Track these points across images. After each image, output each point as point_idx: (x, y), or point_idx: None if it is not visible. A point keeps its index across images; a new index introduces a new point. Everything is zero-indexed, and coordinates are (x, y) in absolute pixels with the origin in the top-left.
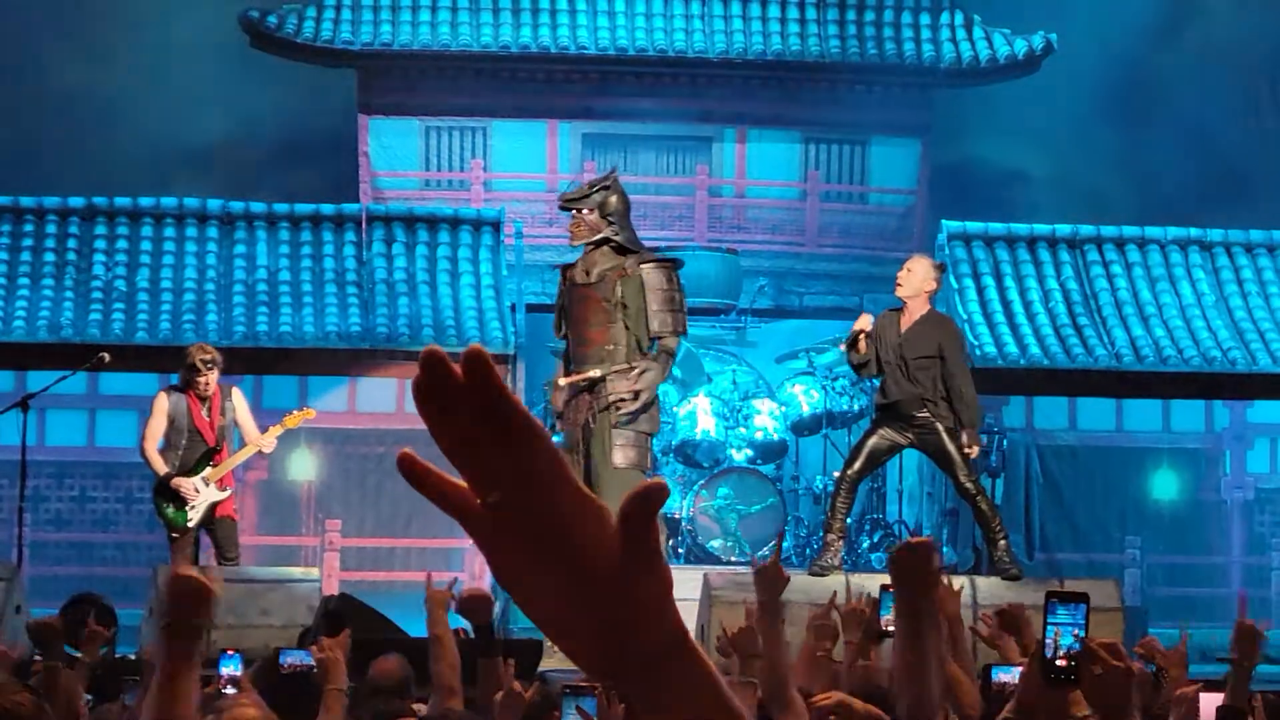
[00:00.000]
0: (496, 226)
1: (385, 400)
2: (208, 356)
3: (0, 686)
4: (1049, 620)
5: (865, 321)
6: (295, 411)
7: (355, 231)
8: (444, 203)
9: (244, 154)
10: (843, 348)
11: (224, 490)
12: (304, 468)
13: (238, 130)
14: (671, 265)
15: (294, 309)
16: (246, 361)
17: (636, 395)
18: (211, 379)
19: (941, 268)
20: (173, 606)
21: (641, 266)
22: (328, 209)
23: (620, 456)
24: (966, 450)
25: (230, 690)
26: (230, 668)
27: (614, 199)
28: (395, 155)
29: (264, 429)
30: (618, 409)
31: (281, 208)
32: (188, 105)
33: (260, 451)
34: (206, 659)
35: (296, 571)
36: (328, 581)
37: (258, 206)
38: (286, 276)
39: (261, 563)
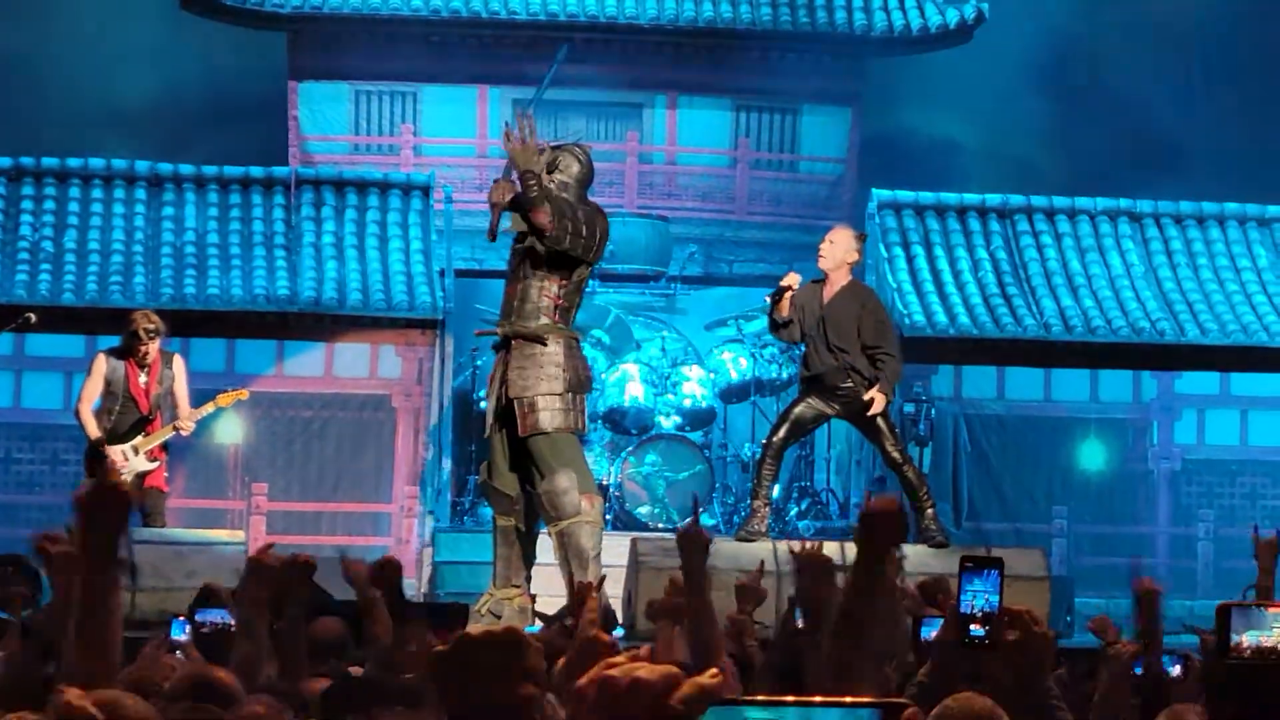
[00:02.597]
0: (426, 191)
1: (313, 364)
2: (151, 326)
3: None
4: (965, 586)
5: (793, 279)
6: (228, 391)
7: (284, 195)
8: (374, 167)
9: (173, 116)
10: (767, 300)
11: (153, 461)
12: (230, 431)
13: (167, 92)
14: (557, 151)
15: (222, 272)
16: (174, 324)
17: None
18: (153, 348)
19: (862, 238)
20: (97, 520)
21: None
22: (257, 172)
23: (571, 420)
24: (871, 398)
25: (179, 654)
26: (178, 633)
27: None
28: (325, 119)
29: (193, 395)
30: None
31: (210, 170)
32: (117, 66)
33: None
34: (135, 621)
35: (222, 535)
36: (253, 545)
37: (186, 169)
38: (215, 239)
39: (187, 526)
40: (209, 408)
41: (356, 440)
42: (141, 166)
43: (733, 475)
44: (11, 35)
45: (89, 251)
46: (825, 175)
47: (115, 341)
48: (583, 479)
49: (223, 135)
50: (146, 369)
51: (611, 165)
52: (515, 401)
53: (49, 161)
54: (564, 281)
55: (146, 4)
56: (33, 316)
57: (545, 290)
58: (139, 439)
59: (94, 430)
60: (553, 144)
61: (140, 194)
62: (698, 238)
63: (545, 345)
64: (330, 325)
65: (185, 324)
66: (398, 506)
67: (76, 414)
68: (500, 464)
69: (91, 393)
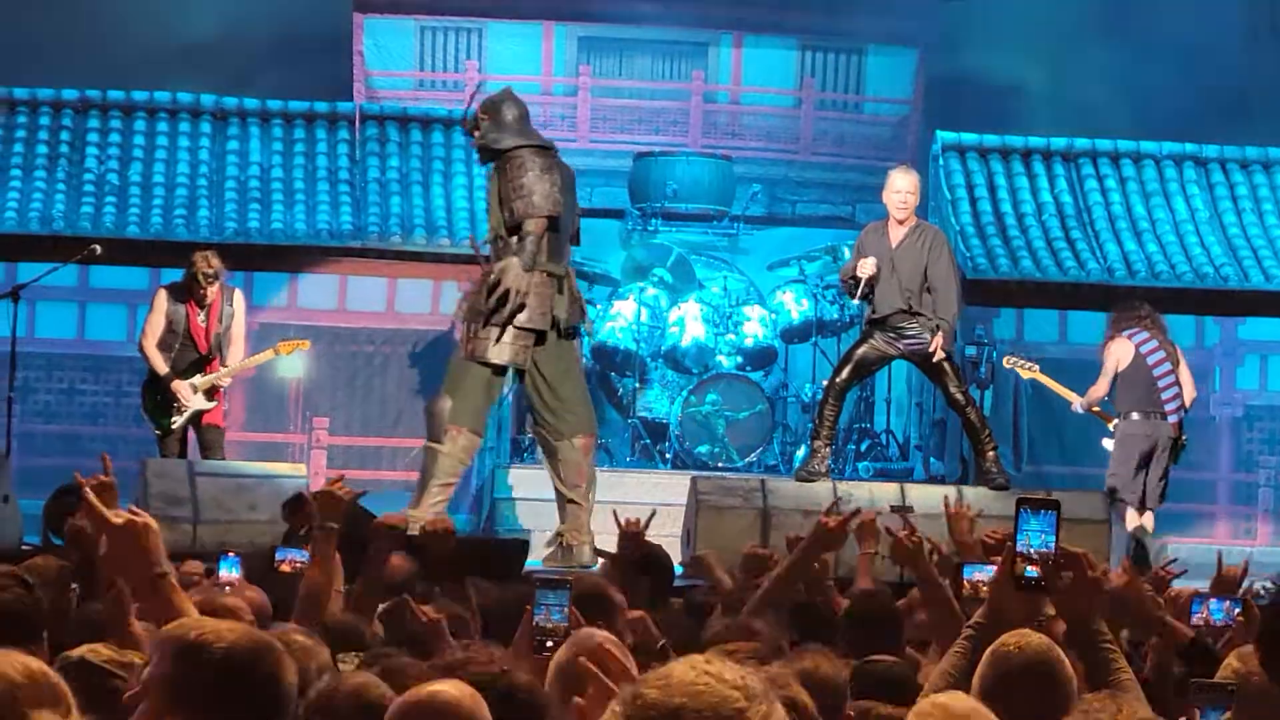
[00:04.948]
0: None
1: (375, 299)
2: (210, 270)
3: None
4: (1021, 526)
5: (870, 269)
6: (290, 339)
7: (349, 130)
8: (438, 103)
9: (238, 50)
10: (842, 277)
11: (212, 401)
12: (293, 365)
13: (232, 26)
14: (519, 153)
15: (286, 206)
16: (237, 258)
17: (492, 290)
18: (211, 291)
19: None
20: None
21: (507, 156)
22: (322, 107)
23: (493, 353)
24: (935, 349)
25: (227, 590)
26: (228, 570)
27: (475, 110)
28: (390, 55)
29: (256, 330)
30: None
31: (275, 105)
32: (184, 1)
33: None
34: (196, 554)
35: (284, 467)
36: (315, 479)
37: (251, 103)
38: (279, 174)
39: (249, 459)
40: (268, 354)
41: (417, 375)
42: (207, 100)
43: (793, 415)
44: None
45: (154, 185)
46: (890, 116)
47: (178, 276)
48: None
49: (288, 70)
50: (206, 309)
51: (676, 104)
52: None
53: (115, 95)
54: None
55: None
56: (98, 249)
57: None
58: (198, 378)
59: (161, 365)
60: (475, 101)
61: (205, 128)
62: (761, 177)
63: None
64: (393, 260)
65: (248, 258)
66: None
67: (141, 348)
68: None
69: (155, 328)
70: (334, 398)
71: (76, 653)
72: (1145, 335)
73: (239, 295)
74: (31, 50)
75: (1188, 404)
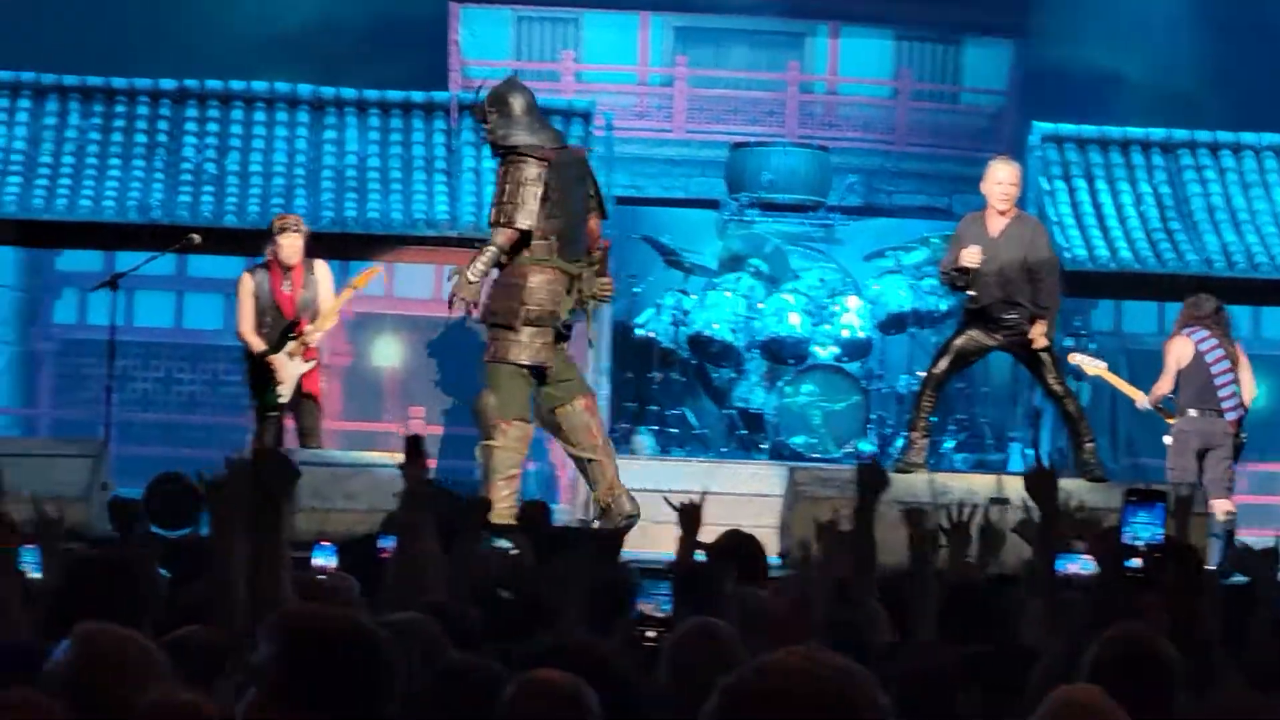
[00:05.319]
0: (586, 118)
1: None
2: (287, 220)
3: (84, 567)
4: (1128, 519)
5: (976, 258)
6: (361, 271)
7: (445, 119)
8: (534, 93)
9: (335, 40)
10: (944, 269)
11: (309, 362)
12: (388, 354)
13: (330, 16)
14: (516, 158)
15: (382, 195)
16: (333, 247)
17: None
18: (288, 242)
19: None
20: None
21: (508, 157)
22: (418, 96)
23: (515, 353)
24: (1036, 340)
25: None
26: (323, 558)
27: (486, 101)
28: (486, 44)
29: (349, 318)
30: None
31: (372, 94)
32: None
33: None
34: (294, 542)
35: (381, 456)
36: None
37: (348, 93)
38: (375, 163)
39: (345, 448)
40: (347, 293)
41: None
42: (304, 90)
43: (888, 407)
44: None
45: (251, 174)
46: (986, 107)
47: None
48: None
49: (384, 60)
50: (289, 276)
51: (772, 95)
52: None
53: (212, 84)
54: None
55: None
56: (196, 238)
57: None
58: (291, 344)
59: (259, 345)
60: (486, 91)
61: (302, 117)
62: (857, 168)
63: None
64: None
65: (344, 247)
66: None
67: (240, 336)
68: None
69: (247, 311)
70: (428, 386)
71: (177, 634)
72: (1205, 334)
73: (321, 264)
74: (131, 40)
75: (1246, 403)
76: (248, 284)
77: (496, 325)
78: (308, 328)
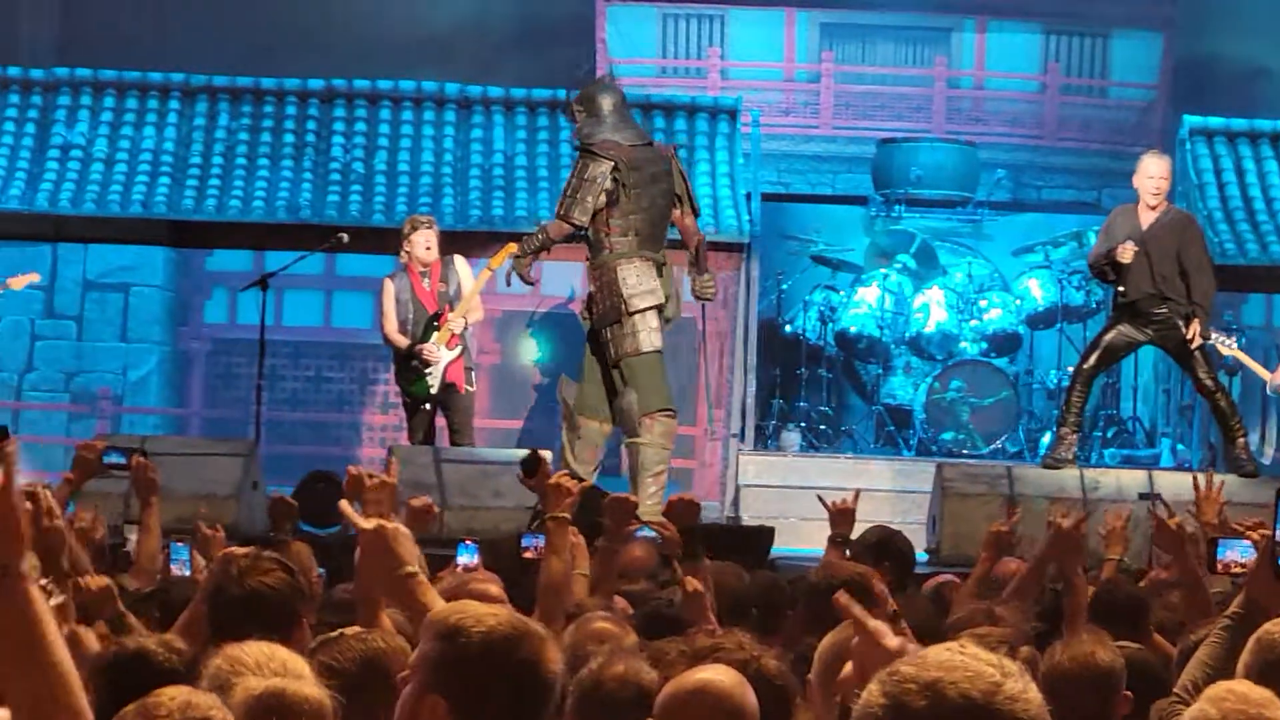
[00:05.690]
0: (733, 114)
1: None
2: (419, 219)
3: (254, 563)
4: None
5: (1130, 253)
6: (497, 253)
7: None
8: (680, 90)
9: (482, 39)
10: (1093, 261)
11: (453, 350)
12: (535, 351)
13: (478, 15)
14: (588, 154)
15: (529, 193)
16: (483, 244)
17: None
18: (420, 239)
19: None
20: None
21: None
22: (565, 94)
23: (640, 341)
24: (1193, 336)
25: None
26: (467, 557)
27: (575, 99)
28: (632, 42)
29: (496, 316)
30: None
31: (519, 93)
32: None
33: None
34: (442, 540)
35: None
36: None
37: (495, 91)
38: (523, 161)
39: (493, 445)
40: (485, 275)
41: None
42: (451, 89)
43: (1038, 402)
44: None
45: (399, 173)
46: (1135, 101)
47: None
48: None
49: (531, 58)
50: (427, 273)
51: (919, 90)
52: None
53: (360, 84)
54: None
55: None
56: (345, 237)
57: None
58: (436, 333)
59: (403, 341)
60: (580, 89)
61: (450, 116)
62: (1005, 163)
63: None
64: None
65: (493, 244)
66: (701, 429)
67: (384, 336)
68: None
69: (390, 311)
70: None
71: (334, 634)
72: None
73: (460, 259)
74: (280, 41)
75: None
76: (389, 288)
77: (605, 326)
78: (451, 314)
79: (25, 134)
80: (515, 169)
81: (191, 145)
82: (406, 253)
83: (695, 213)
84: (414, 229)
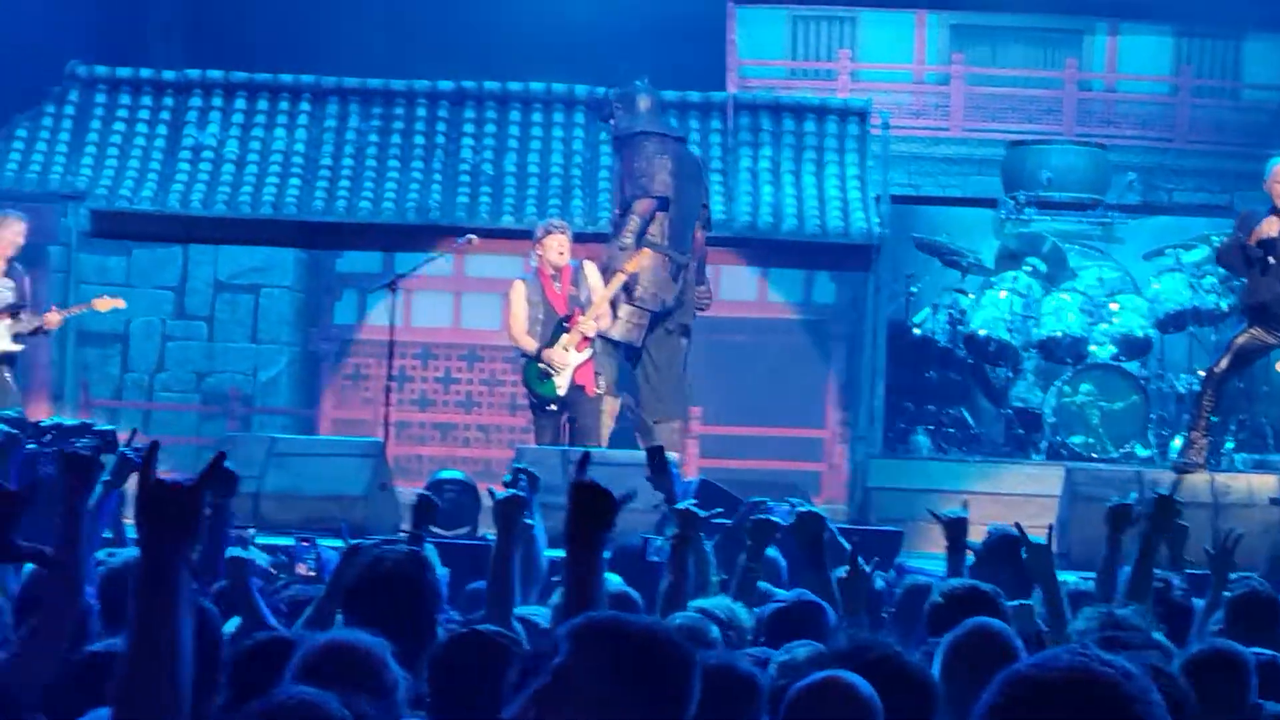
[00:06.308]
0: (863, 117)
1: (746, 289)
2: (553, 223)
3: (382, 554)
4: None
5: (1275, 228)
6: (634, 256)
7: (720, 119)
8: (810, 92)
9: (611, 40)
10: (1224, 250)
11: (582, 353)
12: None
13: (607, 16)
14: (642, 136)
15: None
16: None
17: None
18: (552, 243)
19: None
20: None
21: (629, 141)
22: (694, 96)
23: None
24: None
25: None
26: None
27: (614, 99)
28: (762, 44)
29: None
30: None
31: None
32: None
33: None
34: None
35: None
36: (688, 468)
37: None
38: None
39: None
40: (617, 280)
41: (790, 365)
42: (580, 90)
43: (1168, 406)
44: None
45: (528, 175)
46: (1269, 103)
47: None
48: None
49: (661, 60)
50: (558, 277)
51: (1050, 92)
52: None
53: (490, 86)
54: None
55: None
56: (474, 238)
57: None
58: (565, 336)
59: (530, 344)
60: (616, 95)
61: (579, 118)
62: (1136, 166)
63: None
64: (765, 250)
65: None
66: (830, 432)
67: (511, 336)
68: None
69: (519, 313)
70: (707, 387)
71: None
72: None
73: (589, 263)
74: (408, 42)
75: None
76: (519, 289)
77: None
78: (581, 318)
79: (157, 136)
80: None
81: (322, 147)
82: (539, 256)
83: (707, 228)
84: (547, 233)
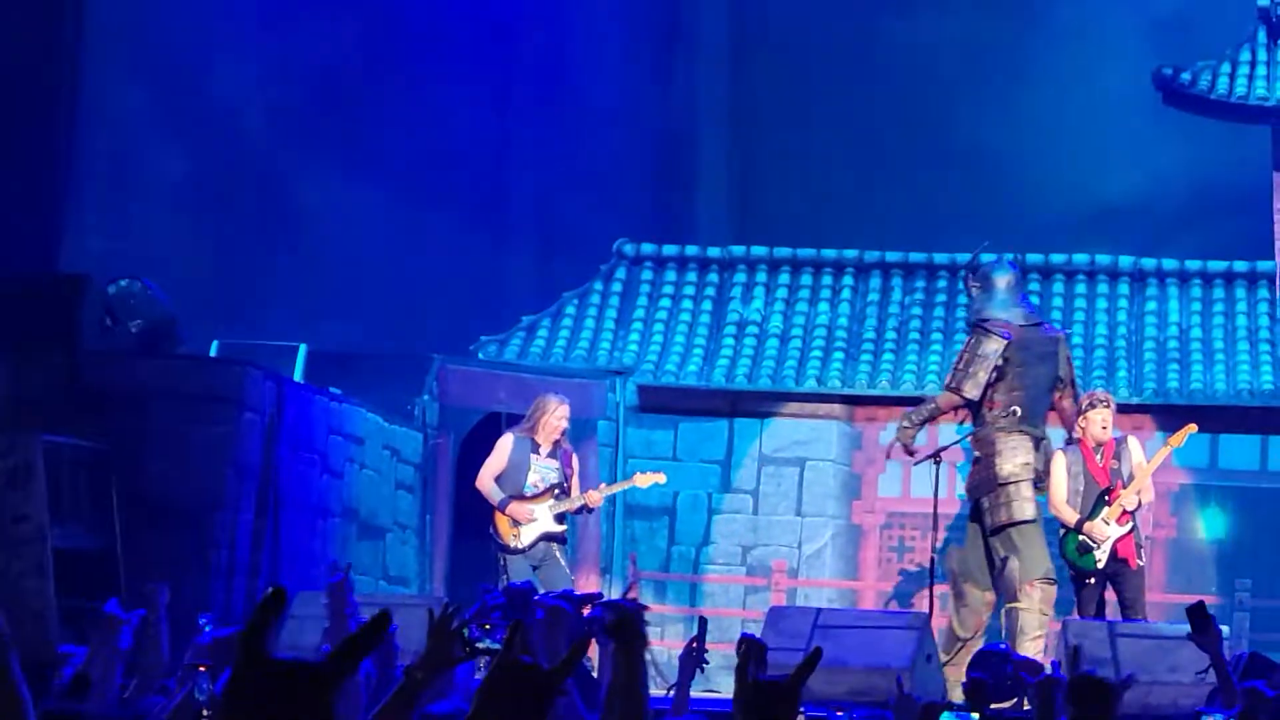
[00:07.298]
0: None
1: None
2: (1096, 395)
3: None
4: None
5: None
6: (1180, 430)
7: (1269, 289)
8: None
9: (1155, 211)
10: None
11: (1122, 527)
12: (1212, 525)
13: (1151, 186)
14: (981, 330)
15: (1205, 366)
16: (1157, 417)
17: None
18: (1096, 416)
19: None
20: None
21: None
22: (1240, 266)
23: (1017, 511)
24: None
25: None
26: None
27: (974, 275)
28: None
29: (1172, 490)
30: None
31: (1193, 265)
32: (1096, 162)
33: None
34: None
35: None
36: (1237, 641)
37: (1169, 263)
38: (1198, 334)
39: (1168, 620)
40: (1162, 453)
41: None
42: (1125, 262)
43: None
44: (986, 130)
45: (1072, 346)
46: None
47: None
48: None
49: (1205, 229)
50: (1100, 450)
51: None
52: None
53: (1033, 258)
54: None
55: (1128, 100)
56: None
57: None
58: (1105, 509)
59: (1071, 515)
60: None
61: (1123, 289)
62: None
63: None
64: None
65: (1168, 418)
66: None
67: (1050, 505)
68: None
69: (1059, 484)
70: (1255, 558)
71: None
72: None
73: (1133, 438)
74: (948, 216)
75: None
76: (1060, 460)
77: (981, 496)
78: (1122, 491)
79: (703, 311)
80: (1190, 341)
81: (865, 320)
82: (1081, 428)
83: (1075, 397)
84: (1091, 406)
